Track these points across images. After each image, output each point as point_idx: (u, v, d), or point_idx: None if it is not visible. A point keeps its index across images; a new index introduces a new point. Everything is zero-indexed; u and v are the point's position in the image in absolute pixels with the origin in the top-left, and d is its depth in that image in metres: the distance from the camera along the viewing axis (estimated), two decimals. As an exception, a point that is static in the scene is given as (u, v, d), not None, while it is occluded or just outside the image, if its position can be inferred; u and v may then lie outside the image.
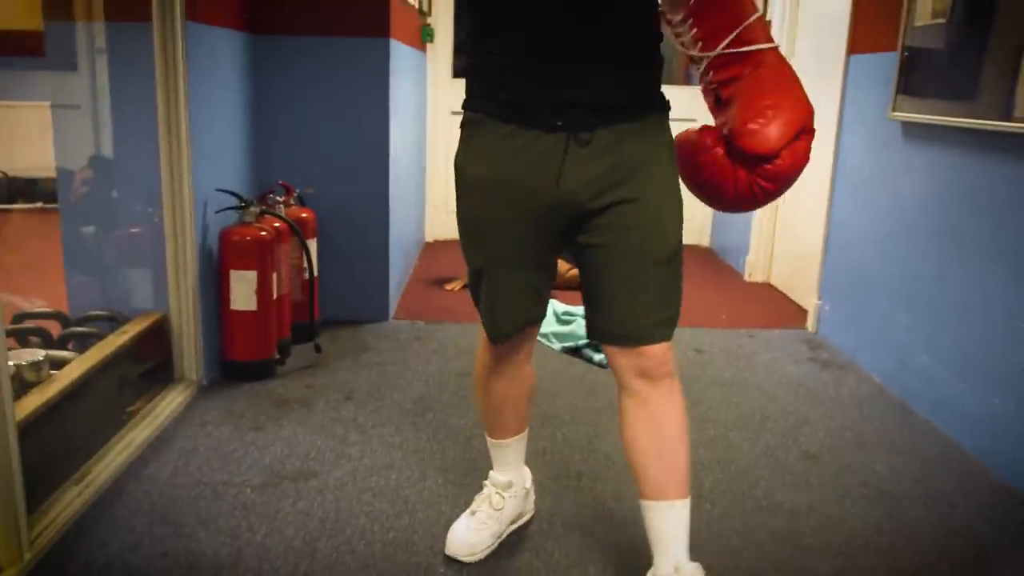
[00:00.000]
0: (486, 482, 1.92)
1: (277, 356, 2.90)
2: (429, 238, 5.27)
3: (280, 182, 3.09)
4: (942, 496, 2.19)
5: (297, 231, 2.92)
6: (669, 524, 1.57)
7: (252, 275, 2.73)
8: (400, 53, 3.63)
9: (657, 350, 1.51)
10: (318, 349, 3.06)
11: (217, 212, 2.76)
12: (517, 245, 1.53)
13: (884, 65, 2.96)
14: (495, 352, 1.70)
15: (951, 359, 2.59)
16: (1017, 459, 2.24)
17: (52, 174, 2.77)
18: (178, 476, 2.17)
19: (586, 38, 1.38)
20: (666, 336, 1.52)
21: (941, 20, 2.64)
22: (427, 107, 5.01)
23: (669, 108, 1.52)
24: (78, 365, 2.23)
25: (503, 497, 1.87)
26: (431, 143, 5.06)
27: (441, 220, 5.21)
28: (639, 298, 1.49)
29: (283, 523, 1.96)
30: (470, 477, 2.19)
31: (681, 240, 1.51)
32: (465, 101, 1.55)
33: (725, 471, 2.28)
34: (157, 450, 2.30)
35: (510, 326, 1.62)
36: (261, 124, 3.24)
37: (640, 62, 1.47)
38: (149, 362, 2.61)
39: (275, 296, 2.83)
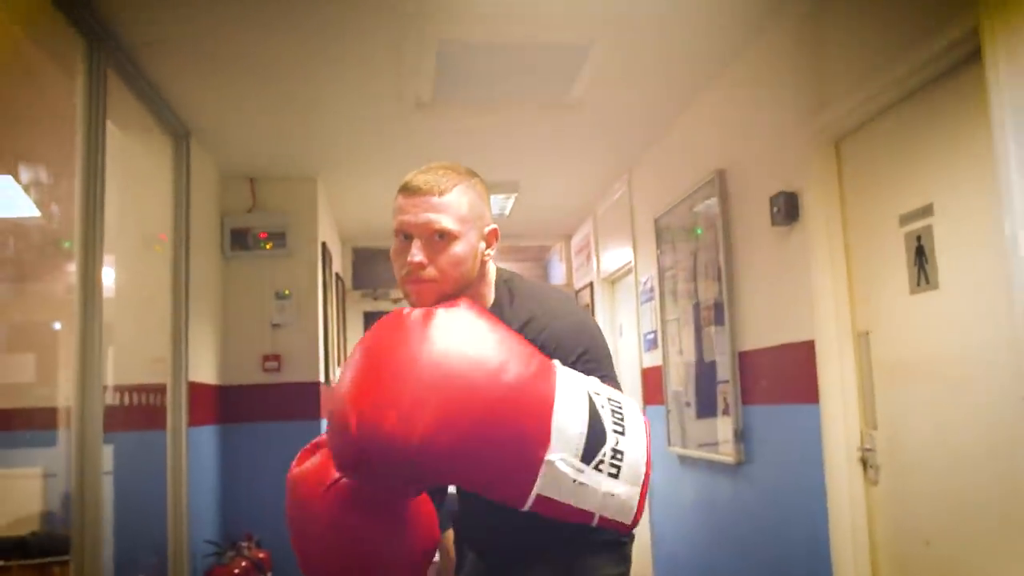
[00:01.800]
0: None
1: (245, 668, 3.82)
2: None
3: (246, 532, 4.18)
4: None
5: (261, 568, 3.99)
6: None
7: (229, 603, 3.75)
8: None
9: None
10: (276, 659, 3.99)
11: (205, 557, 3.83)
12: None
13: (661, 414, 4.42)
14: None
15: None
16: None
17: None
18: None
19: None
20: None
21: (681, 388, 4.14)
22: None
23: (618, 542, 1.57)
24: None
25: None
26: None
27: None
28: None
29: None
30: None
31: None
32: None
33: None
34: None
35: None
36: (229, 486, 4.40)
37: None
38: None
39: (245, 618, 3.83)
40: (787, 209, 2.95)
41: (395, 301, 6.71)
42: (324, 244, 5.02)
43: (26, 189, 3.25)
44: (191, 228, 3.92)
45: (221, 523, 4.30)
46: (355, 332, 6.68)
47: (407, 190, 1.49)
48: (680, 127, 4.11)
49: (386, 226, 5.32)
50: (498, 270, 1.63)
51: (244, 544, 4.10)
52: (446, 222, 1.46)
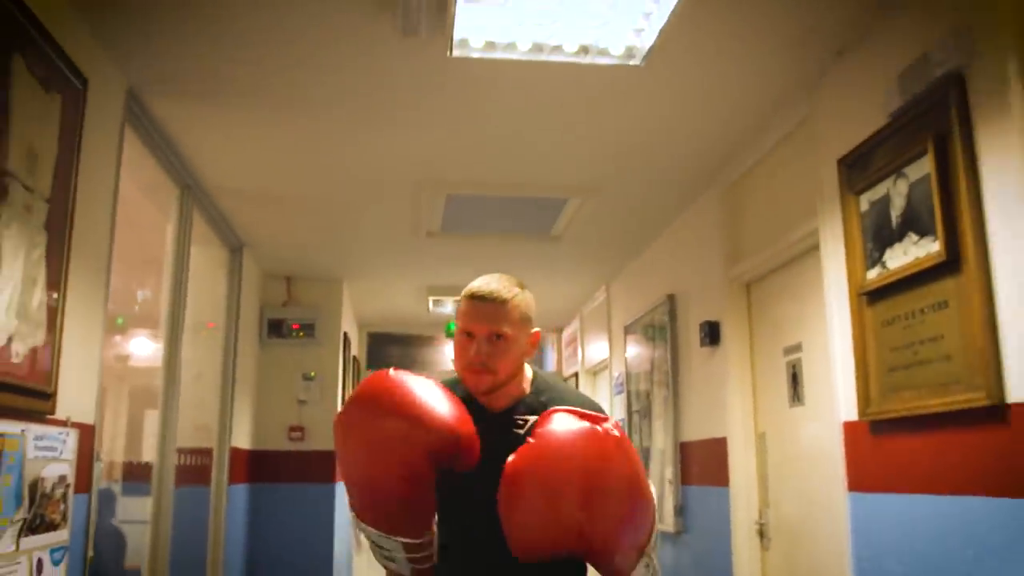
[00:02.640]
0: None
1: None
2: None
3: (269, 578, 4.95)
4: None
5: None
6: None
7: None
8: (341, 486, 5.71)
9: None
10: None
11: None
12: None
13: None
14: None
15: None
16: None
17: None
18: None
19: None
20: None
21: (642, 468, 4.92)
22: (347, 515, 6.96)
23: None
24: None
25: None
26: (354, 541, 6.94)
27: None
28: None
29: None
30: None
31: None
32: None
33: None
34: None
35: None
36: (255, 536, 5.16)
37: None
38: None
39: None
40: (711, 334, 3.80)
41: (403, 381, 7.52)
42: (345, 333, 5.88)
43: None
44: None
45: (247, 567, 5.06)
46: (366, 407, 7.48)
47: (474, 297, 1.79)
48: (644, 258, 5.01)
49: (397, 317, 6.28)
50: (540, 372, 1.96)
51: (268, 590, 4.86)
52: (503, 327, 1.77)
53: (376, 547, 1.78)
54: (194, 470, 4.56)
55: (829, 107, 2.79)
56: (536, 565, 1.68)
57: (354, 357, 6.76)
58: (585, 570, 1.87)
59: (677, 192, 4.00)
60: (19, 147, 2.03)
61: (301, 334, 5.46)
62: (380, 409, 1.68)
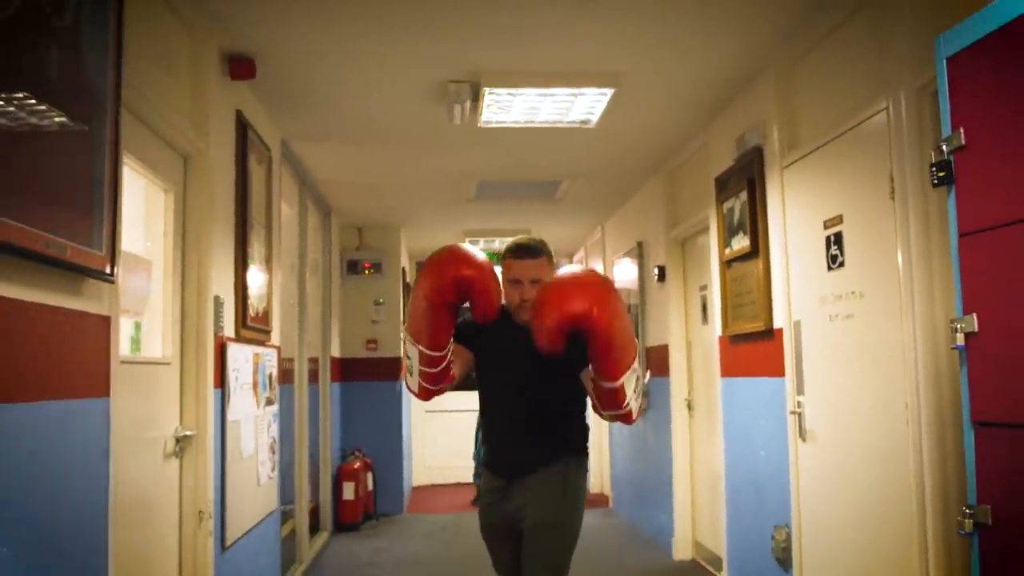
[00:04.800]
0: None
1: (361, 522, 6.60)
2: (416, 483, 9.01)
3: (356, 446, 6.95)
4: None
5: (371, 468, 6.75)
6: None
7: (352, 485, 6.52)
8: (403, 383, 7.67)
9: None
10: (376, 518, 6.76)
11: (342, 456, 6.60)
12: (502, 540, 2.67)
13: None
14: None
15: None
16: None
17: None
18: (352, 562, 5.82)
19: (536, 431, 2.57)
20: None
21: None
22: (410, 407, 9.00)
23: (585, 453, 2.68)
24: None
25: None
26: (412, 426, 8.97)
27: (420, 472, 9.00)
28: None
29: None
30: None
31: (567, 544, 2.56)
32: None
33: None
34: (330, 554, 5.95)
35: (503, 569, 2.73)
36: (346, 418, 7.16)
37: (572, 431, 2.66)
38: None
39: (361, 495, 6.59)
40: (661, 274, 5.59)
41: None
42: (403, 268, 7.73)
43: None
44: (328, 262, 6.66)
45: (342, 440, 7.08)
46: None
47: (516, 254, 2.61)
48: (622, 213, 6.77)
49: (439, 245, 8.13)
50: None
51: (357, 452, 6.87)
52: (539, 275, 2.57)
53: (407, 357, 2.47)
54: (311, 373, 6.48)
55: (712, 145, 4.51)
56: (549, 409, 2.61)
57: (408, 284, 8.63)
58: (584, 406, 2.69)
59: (635, 175, 5.74)
60: (256, 203, 3.85)
61: (371, 271, 7.33)
62: (439, 256, 2.37)
